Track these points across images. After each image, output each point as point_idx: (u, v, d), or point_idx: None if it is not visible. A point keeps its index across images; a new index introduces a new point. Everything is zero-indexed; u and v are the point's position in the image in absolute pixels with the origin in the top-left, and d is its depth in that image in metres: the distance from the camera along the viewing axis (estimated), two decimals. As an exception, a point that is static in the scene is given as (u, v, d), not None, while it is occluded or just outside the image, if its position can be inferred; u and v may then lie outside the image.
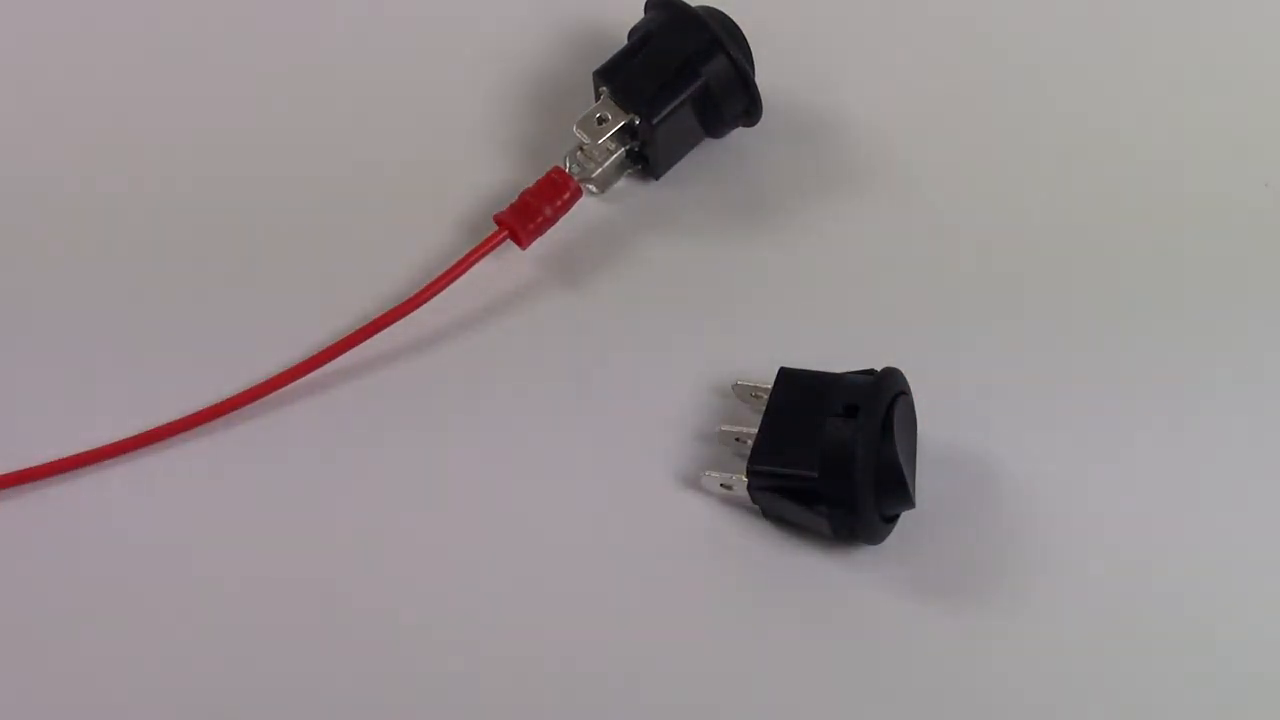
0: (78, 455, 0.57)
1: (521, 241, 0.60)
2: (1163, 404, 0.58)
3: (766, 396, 0.56)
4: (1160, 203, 0.62)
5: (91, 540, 0.57)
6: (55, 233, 0.61)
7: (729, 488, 0.56)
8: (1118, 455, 0.58)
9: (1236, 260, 0.61)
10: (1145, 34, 0.65)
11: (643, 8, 0.62)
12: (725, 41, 0.60)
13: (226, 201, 0.62)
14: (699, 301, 0.60)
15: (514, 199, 0.60)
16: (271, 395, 0.58)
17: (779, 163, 0.62)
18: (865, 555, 0.56)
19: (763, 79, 0.61)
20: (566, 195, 0.60)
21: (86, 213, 0.62)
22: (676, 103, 0.60)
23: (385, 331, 0.59)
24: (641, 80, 0.60)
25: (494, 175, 0.62)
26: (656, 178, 0.62)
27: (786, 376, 0.57)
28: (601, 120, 0.60)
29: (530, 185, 0.60)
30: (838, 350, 0.57)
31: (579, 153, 0.61)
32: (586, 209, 0.61)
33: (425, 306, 0.59)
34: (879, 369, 0.56)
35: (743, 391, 0.58)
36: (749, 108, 0.61)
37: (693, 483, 0.57)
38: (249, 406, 0.58)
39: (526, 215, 0.60)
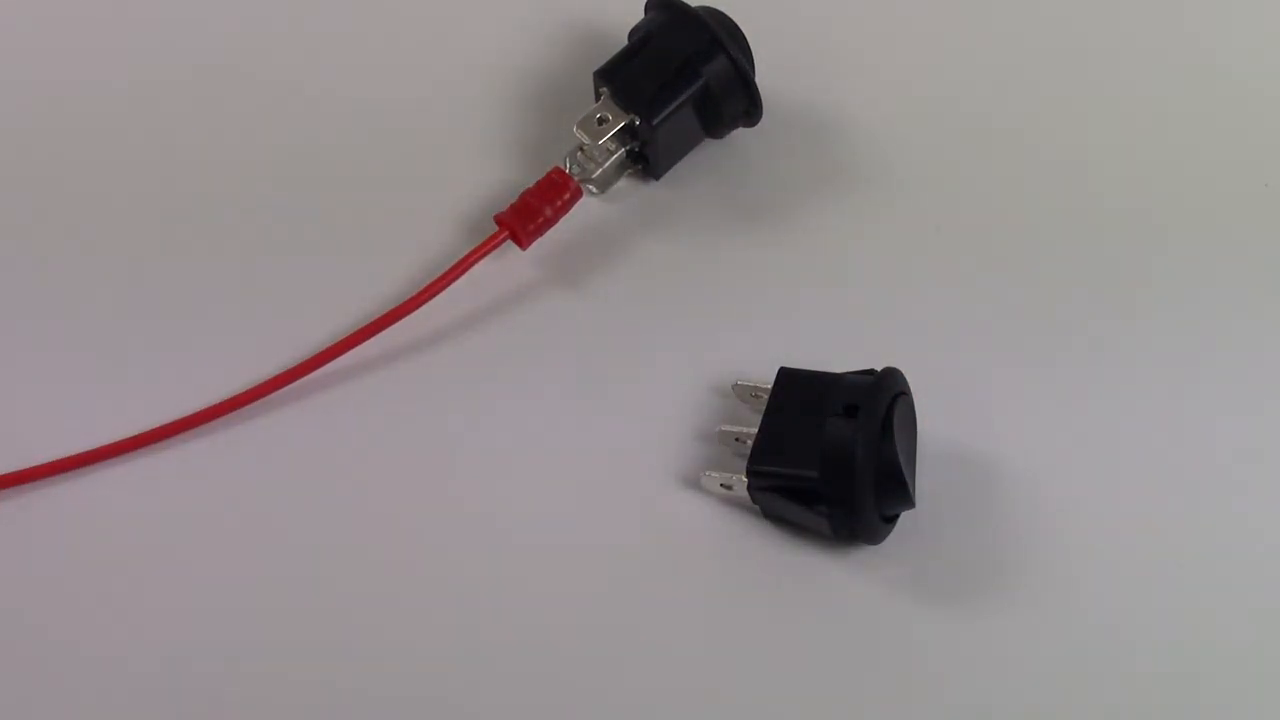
0: (78, 455, 0.57)
1: (522, 242, 0.60)
2: (1164, 404, 0.58)
3: (766, 396, 0.56)
4: (1161, 203, 0.62)
5: (91, 540, 0.57)
6: (55, 232, 0.62)
7: (729, 488, 0.56)
8: (1118, 455, 0.58)
9: (1238, 261, 0.61)
10: (1145, 34, 0.65)
11: (643, 8, 0.62)
12: (725, 42, 0.60)
13: (226, 201, 0.62)
14: (699, 301, 0.60)
15: (514, 199, 0.60)
16: (272, 395, 0.58)
17: (779, 163, 0.62)
18: (865, 555, 0.56)
19: (763, 79, 0.61)
20: (567, 195, 0.60)
21: (86, 213, 0.62)
22: (677, 103, 0.60)
23: (385, 331, 0.59)
24: (642, 81, 0.60)
25: (494, 175, 0.62)
26: (656, 178, 0.62)
27: (786, 376, 0.57)
28: (602, 121, 0.60)
29: (530, 185, 0.60)
30: (838, 350, 0.57)
31: (579, 153, 0.61)
32: (587, 209, 0.61)
33: (425, 306, 0.59)
34: (879, 369, 0.56)
35: (743, 391, 0.58)
36: (749, 108, 0.61)
37: (693, 483, 0.57)
38: (249, 406, 0.58)
39: (527, 215, 0.60)
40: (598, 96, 0.61)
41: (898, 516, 0.56)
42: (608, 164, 0.61)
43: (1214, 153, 0.62)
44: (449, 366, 0.59)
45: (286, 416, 0.58)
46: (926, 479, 0.57)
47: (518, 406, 0.59)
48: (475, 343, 0.59)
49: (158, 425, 0.58)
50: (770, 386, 0.56)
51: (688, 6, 0.61)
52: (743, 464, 0.56)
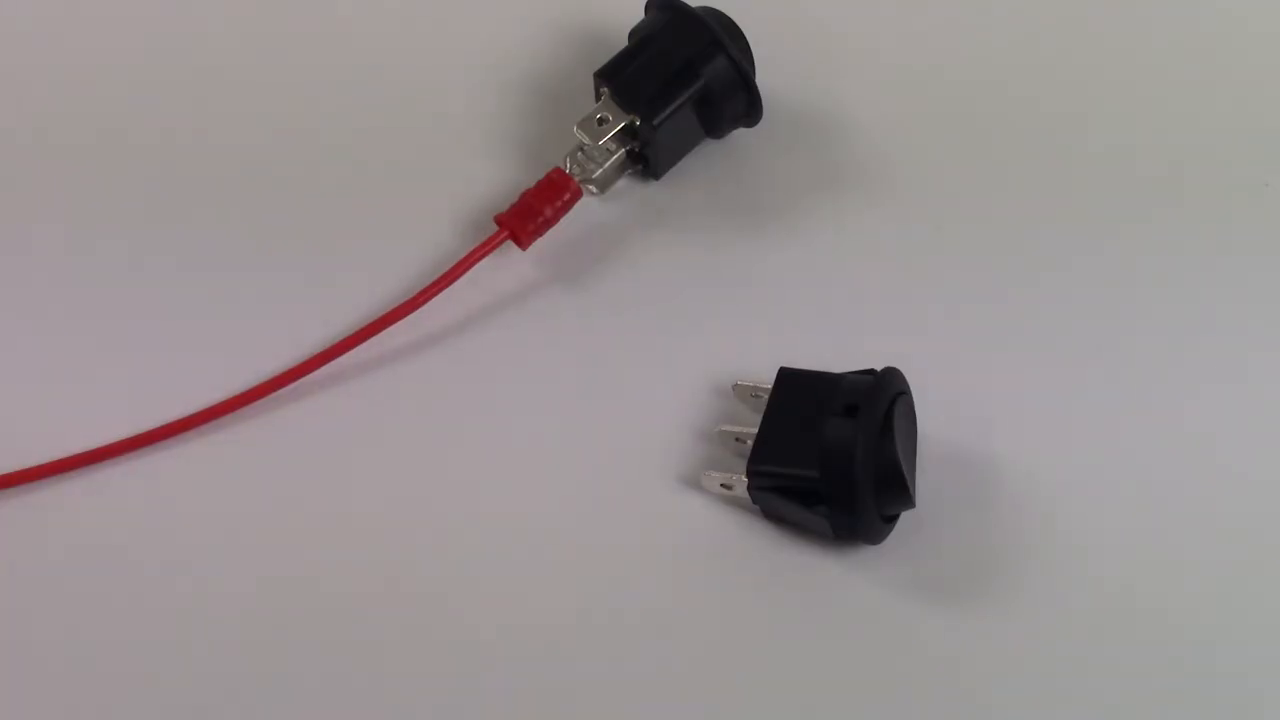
0: (78, 455, 0.57)
1: (522, 242, 0.60)
2: (1164, 405, 0.58)
3: (766, 396, 0.56)
4: (1161, 203, 0.62)
5: (92, 540, 0.57)
6: (54, 233, 0.62)
7: (729, 488, 0.56)
8: (1118, 455, 0.57)
9: (1238, 261, 0.61)
10: (1145, 34, 0.65)
11: (643, 8, 0.62)
12: (725, 42, 0.60)
13: (226, 202, 0.62)
14: (699, 301, 0.60)
15: (514, 199, 0.60)
16: (272, 395, 0.58)
17: (779, 163, 0.62)
18: (865, 555, 0.56)
19: (763, 79, 0.61)
20: (567, 196, 0.60)
21: (86, 212, 0.62)
22: (677, 104, 0.60)
23: (385, 331, 0.59)
24: (642, 81, 0.60)
25: (494, 175, 0.62)
26: (657, 178, 0.62)
27: (786, 376, 0.57)
28: (602, 121, 0.60)
29: (530, 186, 0.60)
30: (838, 350, 0.57)
31: (579, 153, 0.61)
32: (587, 209, 0.61)
33: (425, 306, 0.59)
34: (879, 369, 0.56)
35: (743, 391, 0.58)
36: (749, 108, 0.61)
37: (693, 483, 0.57)
38: (249, 406, 0.58)
39: (527, 216, 0.60)
40: (598, 97, 0.61)
41: (898, 516, 0.56)
42: (608, 164, 0.61)
43: (1215, 153, 0.62)
44: (449, 366, 0.59)
45: (286, 416, 0.58)
46: (926, 479, 0.57)
47: (517, 406, 0.59)
48: (475, 343, 0.59)
49: (158, 425, 0.58)
50: (770, 386, 0.56)
51: (688, 7, 0.61)
52: (743, 464, 0.56)
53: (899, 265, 0.61)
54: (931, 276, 0.60)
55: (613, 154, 0.61)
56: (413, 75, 0.64)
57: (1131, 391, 0.58)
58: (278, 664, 0.55)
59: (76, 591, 0.56)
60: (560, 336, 0.60)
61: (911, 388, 0.56)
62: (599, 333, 0.60)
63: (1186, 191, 0.62)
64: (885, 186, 0.62)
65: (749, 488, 0.56)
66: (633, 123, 0.60)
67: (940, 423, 0.57)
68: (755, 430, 0.56)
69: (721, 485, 0.56)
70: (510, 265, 0.60)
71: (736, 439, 0.57)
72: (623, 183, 0.62)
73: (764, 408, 0.56)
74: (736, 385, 0.58)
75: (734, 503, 0.57)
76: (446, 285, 0.59)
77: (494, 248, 0.59)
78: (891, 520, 0.56)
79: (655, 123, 0.60)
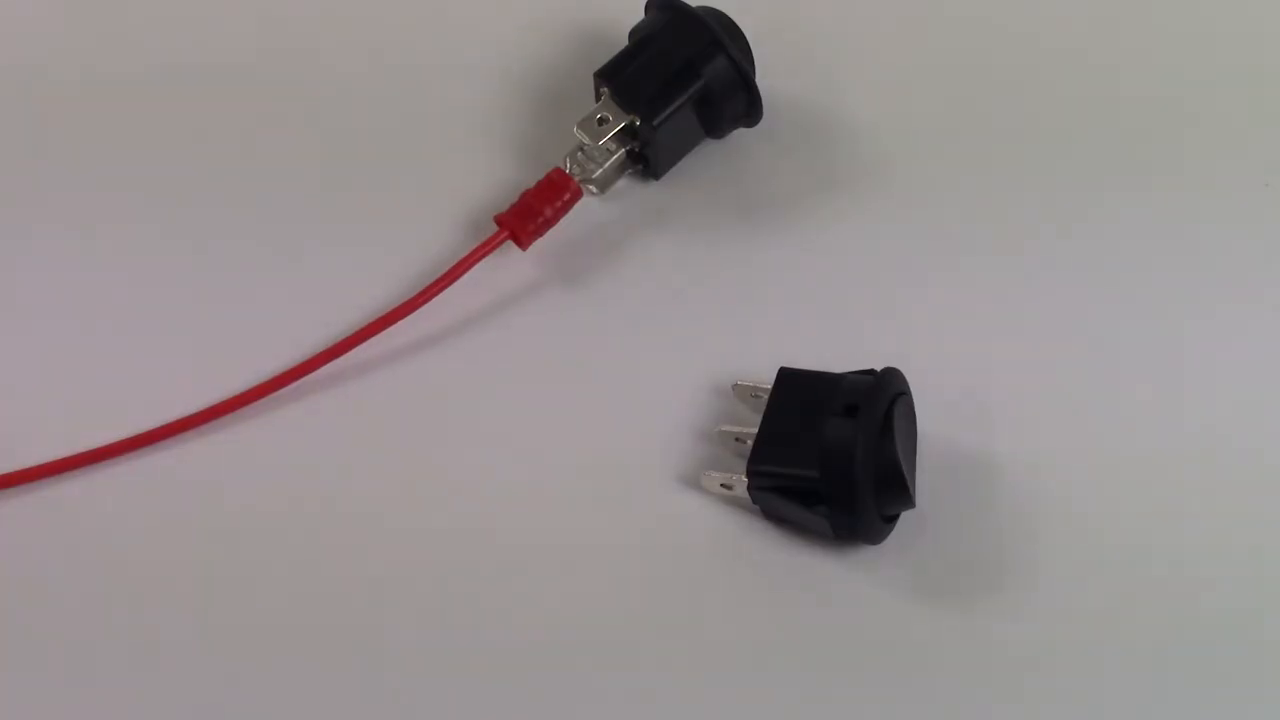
0: (78, 455, 0.57)
1: (522, 242, 0.60)
2: (1164, 405, 0.58)
3: (766, 396, 0.56)
4: (1161, 203, 0.62)
5: (91, 540, 0.57)
6: (54, 233, 0.62)
7: (729, 488, 0.56)
8: (1118, 455, 0.58)
9: (1238, 261, 0.61)
10: (1145, 34, 0.65)
11: (643, 8, 0.62)
12: (726, 42, 0.60)
13: (226, 202, 0.62)
14: (699, 301, 0.60)
15: (514, 199, 0.60)
16: (272, 395, 0.58)
17: (779, 163, 0.62)
18: (865, 555, 0.56)
19: (763, 79, 0.61)
20: (567, 196, 0.60)
21: (86, 212, 0.62)
22: (677, 104, 0.60)
23: (385, 331, 0.59)
24: (642, 81, 0.60)
25: (494, 175, 0.62)
26: (657, 178, 0.62)
27: (786, 376, 0.57)
28: (602, 121, 0.60)
29: (530, 186, 0.60)
30: (838, 350, 0.57)
31: (579, 153, 0.60)
32: (587, 209, 0.61)
33: (425, 306, 0.59)
34: (879, 369, 0.56)
35: (743, 391, 0.58)
36: (749, 108, 0.61)
37: (693, 483, 0.57)
38: (249, 406, 0.58)
39: (527, 216, 0.60)
40: (598, 97, 0.61)
41: (898, 516, 0.56)
42: (608, 164, 0.61)
43: (1216, 153, 0.62)
44: (449, 366, 0.59)
45: (286, 417, 0.58)
46: (926, 479, 0.57)
47: (517, 406, 0.59)
48: (475, 342, 0.59)
49: (158, 425, 0.58)
50: (770, 386, 0.56)
51: (688, 7, 0.61)
52: (743, 464, 0.56)
53: (899, 265, 0.61)
54: (931, 276, 0.60)
55: (613, 154, 0.61)
56: (413, 75, 0.64)
57: (1132, 391, 0.58)
58: (278, 664, 0.55)
59: (76, 591, 0.56)
60: (560, 336, 0.60)
61: (911, 388, 0.56)
62: (599, 333, 0.60)
63: (1187, 191, 0.62)
64: (885, 186, 0.62)
65: (749, 488, 0.56)
66: (633, 123, 0.60)
67: (940, 423, 0.57)
68: (755, 430, 0.56)
69: (721, 485, 0.56)
70: (510, 265, 0.60)
71: (736, 439, 0.57)
72: (623, 183, 0.62)
73: (764, 408, 0.56)
74: (736, 385, 0.58)
75: (734, 503, 0.57)
76: (446, 285, 0.59)
77: (494, 248, 0.59)
78: (891, 520, 0.56)
79: (655, 123, 0.60)
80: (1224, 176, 0.62)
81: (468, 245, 0.60)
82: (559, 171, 0.60)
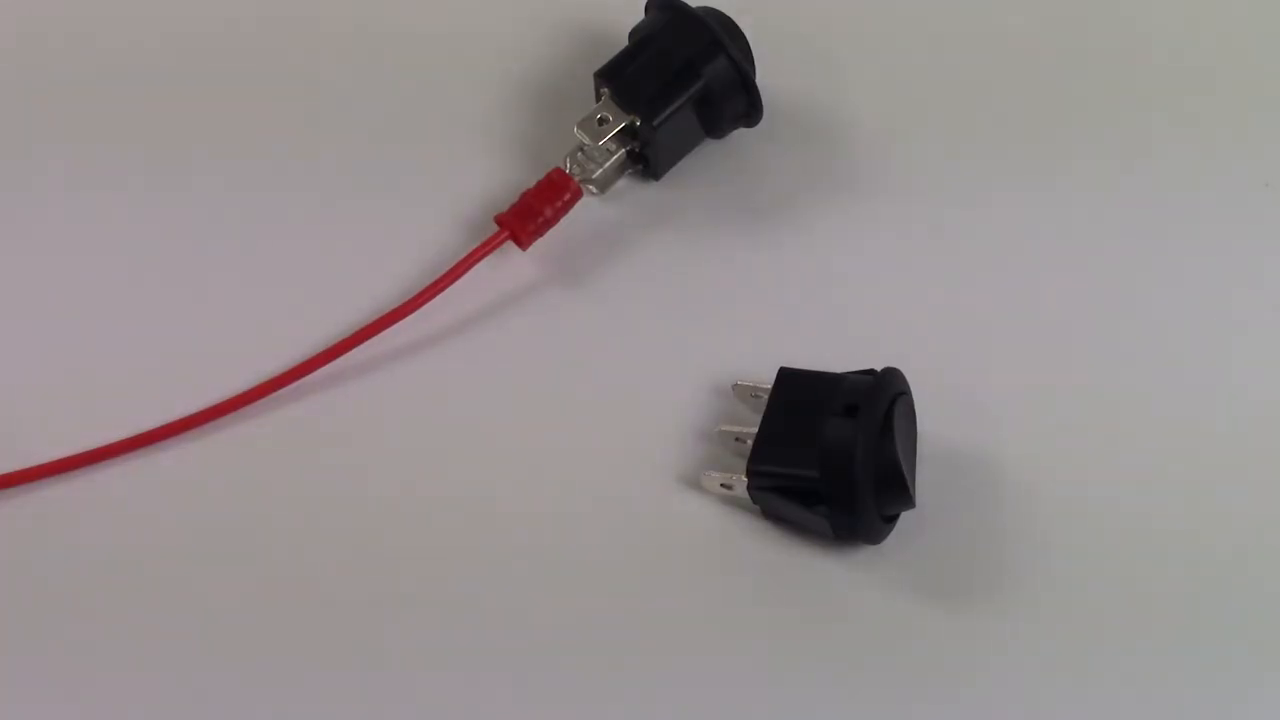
0: (78, 455, 0.57)
1: (522, 242, 0.60)
2: (1164, 404, 0.58)
3: (766, 396, 0.56)
4: (1161, 203, 0.62)
5: (92, 540, 0.57)
6: (54, 233, 0.62)
7: (729, 488, 0.56)
8: (1118, 455, 0.58)
9: (1238, 261, 0.61)
10: (1146, 34, 0.65)
11: (643, 8, 0.62)
12: (726, 42, 0.60)
13: (226, 201, 0.62)
14: (699, 301, 0.60)
15: (515, 199, 0.60)
16: (272, 395, 0.58)
17: (779, 163, 0.62)
18: (865, 555, 0.56)
19: (763, 79, 0.61)
20: (567, 196, 0.60)
21: (85, 212, 0.62)
22: (677, 104, 0.60)
23: (385, 331, 0.59)
24: (642, 81, 0.60)
25: (494, 175, 0.62)
26: (657, 178, 0.62)
27: (786, 376, 0.57)
28: (602, 121, 0.60)
29: (531, 186, 0.60)
30: (838, 350, 0.57)
31: (580, 153, 0.60)
32: (587, 210, 0.61)
33: (425, 306, 0.59)
34: (879, 369, 0.56)
35: (743, 391, 0.58)
36: (749, 109, 0.61)
37: (693, 483, 0.57)
38: (249, 406, 0.58)
39: (527, 216, 0.60)
40: (598, 97, 0.61)
41: (898, 516, 0.56)
42: (608, 164, 0.61)
43: (1216, 153, 0.62)
44: (449, 366, 0.59)
45: (287, 417, 0.58)
46: (926, 479, 0.57)
47: (517, 406, 0.59)
48: (475, 343, 0.59)
49: (158, 425, 0.58)
50: (770, 386, 0.56)
51: (688, 7, 0.61)
52: (743, 464, 0.56)
53: (898, 264, 0.61)
54: (931, 276, 0.60)
55: (613, 154, 0.61)
56: (413, 75, 0.64)
57: (1133, 391, 0.58)
58: (279, 663, 0.55)
59: (76, 591, 0.56)
60: (560, 337, 0.60)
61: (911, 388, 0.56)
62: (599, 333, 0.60)
63: (1187, 191, 0.62)
64: (885, 186, 0.62)
65: (749, 488, 0.56)
66: (633, 123, 0.60)
67: (940, 423, 0.57)
68: (755, 430, 0.56)
69: (721, 485, 0.56)
70: (510, 265, 0.60)
71: (736, 439, 0.57)
72: (623, 183, 0.62)
73: (764, 408, 0.56)
74: (736, 385, 0.58)
75: (734, 503, 0.57)
76: (446, 285, 0.59)
77: (494, 248, 0.59)
78: (891, 520, 0.56)
79: (655, 123, 0.60)
80: (1224, 176, 0.62)
81: (468, 245, 0.60)
82: (559, 171, 0.60)
